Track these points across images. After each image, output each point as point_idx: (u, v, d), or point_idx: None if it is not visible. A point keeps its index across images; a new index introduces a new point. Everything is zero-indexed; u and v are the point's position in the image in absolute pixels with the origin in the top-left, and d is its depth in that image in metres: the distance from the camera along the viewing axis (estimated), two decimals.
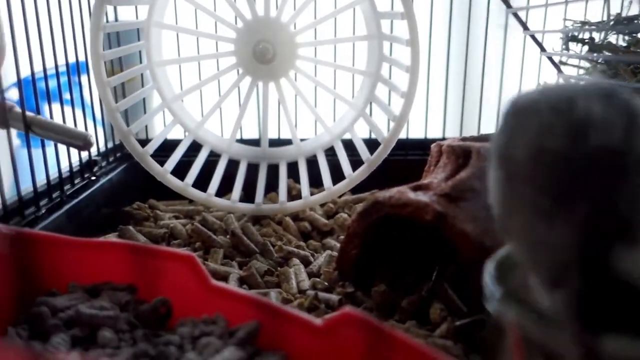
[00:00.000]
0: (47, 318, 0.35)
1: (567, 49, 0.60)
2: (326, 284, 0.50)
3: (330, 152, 0.70)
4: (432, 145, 0.49)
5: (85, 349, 0.33)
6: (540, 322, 0.22)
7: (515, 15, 0.56)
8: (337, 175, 0.66)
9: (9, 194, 0.48)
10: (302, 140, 0.69)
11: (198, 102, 0.76)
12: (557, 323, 0.22)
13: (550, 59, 0.56)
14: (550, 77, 0.73)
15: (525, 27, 0.56)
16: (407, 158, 0.78)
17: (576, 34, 0.57)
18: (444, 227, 0.38)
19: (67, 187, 0.58)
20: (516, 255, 0.27)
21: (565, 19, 0.65)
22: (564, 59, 0.62)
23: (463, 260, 0.38)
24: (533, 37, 0.56)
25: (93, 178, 0.64)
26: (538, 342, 0.23)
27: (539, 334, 0.22)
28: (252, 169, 0.67)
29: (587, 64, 0.61)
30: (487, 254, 0.38)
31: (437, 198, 0.40)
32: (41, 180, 0.54)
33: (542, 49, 0.56)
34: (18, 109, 0.48)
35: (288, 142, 0.69)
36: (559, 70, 0.55)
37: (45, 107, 0.57)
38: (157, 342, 0.34)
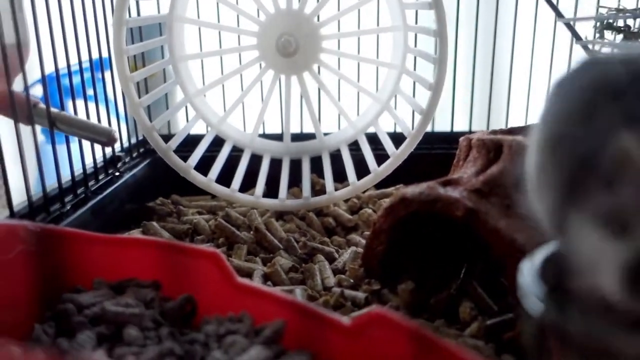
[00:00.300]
0: (73, 315, 0.35)
1: (602, 37, 0.58)
2: (352, 281, 0.49)
3: (354, 147, 0.69)
4: (461, 139, 0.47)
5: (111, 347, 0.33)
6: (586, 322, 0.21)
7: (549, 3, 0.54)
8: (361, 169, 0.65)
9: (34, 190, 0.48)
10: (325, 134, 0.68)
11: (220, 96, 0.76)
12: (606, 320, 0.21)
13: (585, 47, 0.53)
14: None
15: (559, 14, 0.53)
16: (433, 152, 0.76)
17: (611, 21, 0.55)
18: (475, 224, 0.37)
19: (91, 183, 0.59)
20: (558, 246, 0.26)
21: (599, 6, 0.62)
22: (597, 48, 0.60)
23: (495, 257, 0.37)
24: (568, 25, 0.54)
25: (117, 174, 0.64)
26: (580, 343, 0.22)
27: (584, 335, 0.21)
28: (275, 164, 0.66)
29: None
30: (520, 251, 0.36)
31: (468, 194, 0.38)
32: (66, 176, 0.54)
33: (578, 38, 0.54)
34: (42, 105, 0.49)
35: (311, 136, 0.69)
36: None
37: (69, 104, 0.57)
38: (183, 340, 0.33)
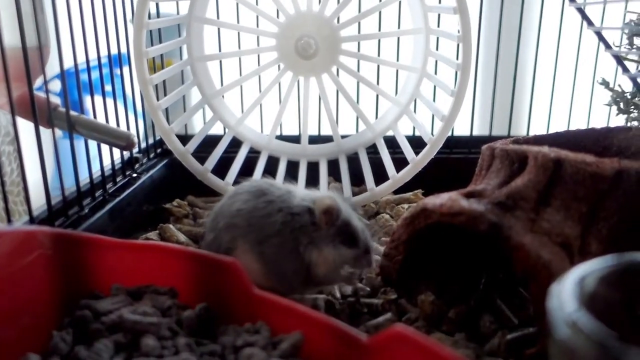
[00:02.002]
0: (91, 322, 0.34)
1: (631, 44, 0.56)
2: (368, 289, 0.49)
3: (372, 150, 0.68)
4: (484, 148, 0.46)
5: (127, 356, 0.33)
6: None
7: (580, 10, 0.52)
8: (379, 173, 0.64)
9: (52, 193, 0.48)
10: (343, 137, 0.67)
11: (238, 98, 0.75)
12: None
13: (616, 56, 0.52)
14: (606, 74, 0.69)
15: (590, 22, 0.52)
16: (452, 156, 0.75)
17: None
18: (499, 238, 0.36)
19: (109, 185, 0.59)
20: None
21: (626, 12, 0.60)
22: (623, 56, 0.58)
23: (518, 273, 0.36)
24: (598, 34, 0.52)
25: (134, 175, 0.64)
26: None
27: None
28: (292, 166, 0.66)
29: None
30: (545, 267, 0.35)
31: (492, 207, 0.37)
32: (84, 178, 0.54)
33: (607, 46, 0.52)
34: (62, 109, 0.48)
35: (329, 139, 0.68)
36: (625, 70, 0.51)
37: (87, 100, 0.56)
38: (200, 352, 0.33)
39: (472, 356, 0.39)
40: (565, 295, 0.24)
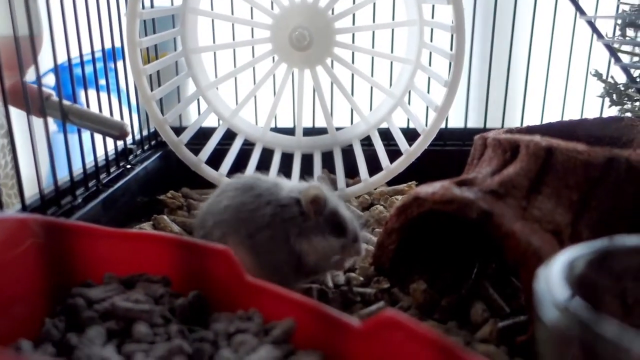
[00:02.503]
0: (83, 310, 0.34)
1: (624, 35, 0.57)
2: (362, 279, 0.49)
3: (367, 142, 0.68)
4: (476, 137, 0.47)
5: (120, 343, 0.33)
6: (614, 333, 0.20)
7: (572, 0, 0.52)
8: (374, 165, 0.64)
9: (45, 183, 0.48)
10: (337, 129, 0.67)
11: (233, 90, 0.75)
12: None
13: (607, 46, 0.52)
14: (600, 65, 0.69)
15: (581, 11, 0.52)
16: (446, 148, 0.75)
17: (634, 19, 0.54)
18: (490, 226, 0.36)
19: (103, 175, 0.59)
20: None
21: (619, 3, 0.61)
22: (616, 46, 0.58)
23: (509, 260, 0.36)
24: (589, 23, 0.52)
25: (128, 166, 0.64)
26: (601, 355, 0.21)
27: (605, 346, 0.21)
28: (287, 159, 0.66)
29: None
30: (535, 254, 0.36)
31: (483, 195, 0.37)
32: (77, 169, 0.54)
33: (599, 36, 0.52)
34: (55, 98, 0.48)
35: (323, 131, 0.68)
36: (617, 60, 0.51)
37: (81, 93, 0.56)
38: (192, 338, 0.33)
39: (463, 343, 0.39)
40: (554, 278, 0.24)
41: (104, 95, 0.60)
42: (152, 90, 0.62)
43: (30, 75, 0.48)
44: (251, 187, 0.45)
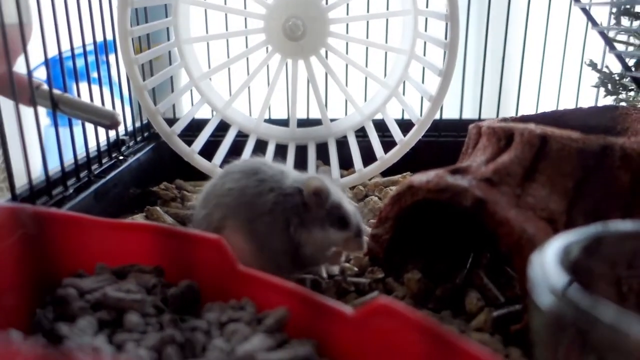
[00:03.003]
0: (74, 300, 0.34)
1: (619, 23, 0.56)
2: (356, 269, 0.49)
3: (361, 133, 0.68)
4: (471, 127, 0.46)
5: (111, 333, 0.32)
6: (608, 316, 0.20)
7: None
8: (368, 156, 0.64)
9: (36, 173, 0.48)
10: (331, 120, 0.67)
11: (226, 80, 0.75)
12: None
13: (602, 34, 0.52)
14: (595, 55, 0.68)
15: None
16: (441, 139, 0.75)
17: (628, 7, 0.53)
18: (484, 214, 0.36)
19: (94, 166, 0.58)
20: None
21: None
22: (611, 35, 0.58)
23: (503, 248, 0.36)
24: (584, 10, 0.52)
25: (121, 158, 0.64)
26: (597, 340, 0.21)
27: (603, 331, 0.20)
28: (281, 150, 0.65)
29: (638, 41, 0.57)
30: (530, 241, 0.35)
31: (477, 182, 0.37)
32: (69, 160, 0.53)
33: (594, 23, 0.52)
34: (45, 87, 0.48)
35: (317, 122, 0.68)
36: (612, 47, 0.51)
37: (72, 87, 0.56)
38: (184, 328, 0.33)
39: (457, 332, 0.39)
40: (549, 264, 0.24)
41: (96, 89, 0.59)
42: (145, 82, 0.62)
43: (21, 66, 0.47)
44: (256, 171, 0.45)
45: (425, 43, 0.68)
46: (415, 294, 0.43)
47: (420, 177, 0.40)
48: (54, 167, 0.51)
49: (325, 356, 0.30)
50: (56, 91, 0.49)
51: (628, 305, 0.30)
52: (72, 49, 0.53)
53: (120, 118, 0.50)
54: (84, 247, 0.37)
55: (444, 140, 0.75)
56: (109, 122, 0.48)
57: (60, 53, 0.51)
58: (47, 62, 0.49)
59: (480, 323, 0.40)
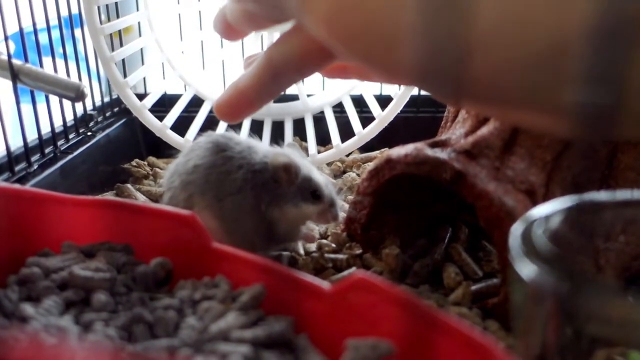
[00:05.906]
0: (39, 280, 0.33)
1: None
2: (334, 245, 0.48)
3: (339, 109, 0.66)
4: None
5: (79, 313, 0.31)
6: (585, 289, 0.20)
7: None
8: (346, 132, 0.63)
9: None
10: (308, 95, 0.66)
11: (199, 54, 0.72)
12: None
13: None
14: None
15: None
16: (419, 115, 0.74)
17: None
18: (463, 187, 0.36)
19: (60, 142, 0.56)
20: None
21: None
22: None
23: (482, 221, 0.36)
24: None
25: (89, 133, 0.61)
26: (576, 310, 0.21)
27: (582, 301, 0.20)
28: (256, 126, 0.64)
29: None
30: (509, 214, 0.35)
31: (456, 155, 0.37)
32: (32, 136, 0.51)
33: None
34: (4, 57, 0.45)
35: (294, 97, 0.66)
36: None
37: (37, 61, 0.53)
38: (155, 306, 0.32)
39: (436, 306, 0.38)
40: (529, 234, 0.24)
41: (61, 63, 0.56)
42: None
43: None
44: (222, 148, 0.43)
45: None
46: (393, 269, 0.43)
47: (399, 151, 0.39)
48: (16, 142, 0.48)
49: (303, 332, 0.30)
50: (16, 61, 0.46)
51: (605, 278, 0.30)
52: (34, 24, 0.50)
53: (87, 90, 0.47)
54: (49, 225, 0.36)
55: (422, 116, 0.74)
56: (74, 94, 0.45)
57: (19, 22, 0.48)
58: (5, 30, 0.46)
59: (459, 297, 0.40)
